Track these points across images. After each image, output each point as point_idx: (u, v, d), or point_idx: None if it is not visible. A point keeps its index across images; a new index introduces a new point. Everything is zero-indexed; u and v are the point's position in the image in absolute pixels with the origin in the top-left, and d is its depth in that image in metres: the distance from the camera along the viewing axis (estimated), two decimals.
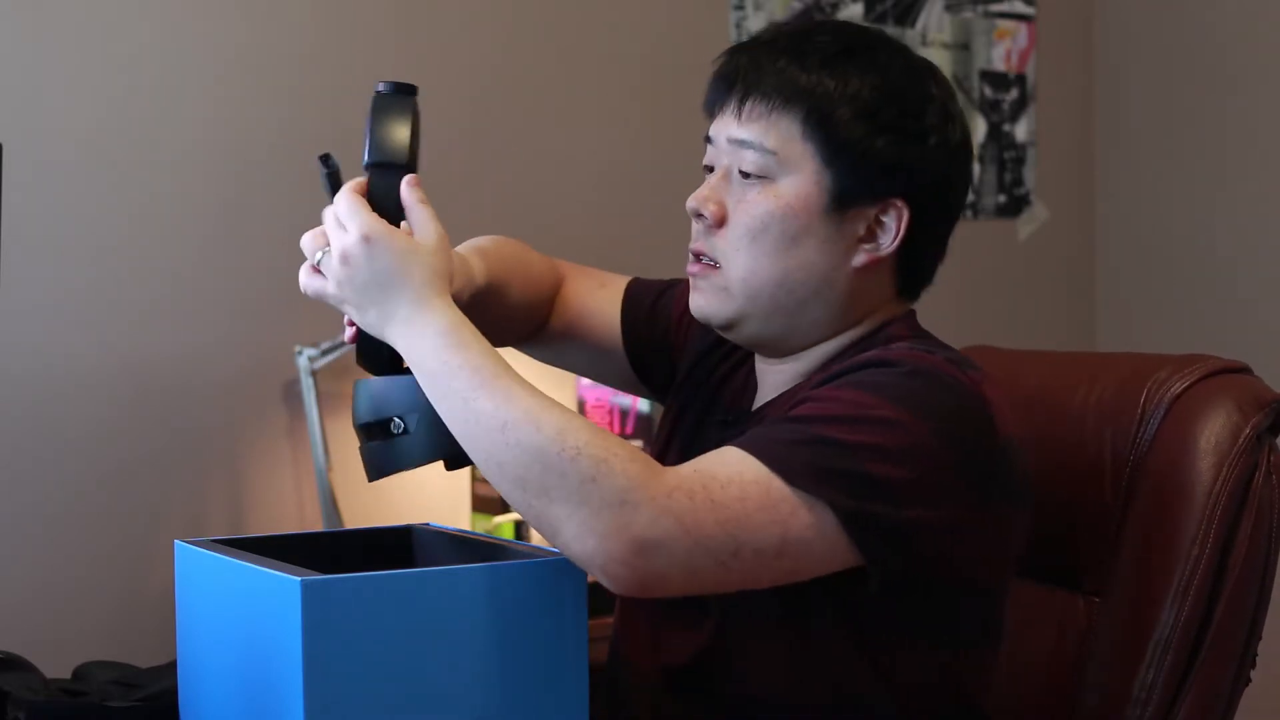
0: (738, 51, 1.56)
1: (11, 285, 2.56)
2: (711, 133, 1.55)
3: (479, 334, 1.40)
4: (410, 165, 1.46)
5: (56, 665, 1.91)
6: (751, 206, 1.51)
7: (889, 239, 1.52)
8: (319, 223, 1.44)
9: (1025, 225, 3.73)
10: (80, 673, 1.73)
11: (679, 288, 1.71)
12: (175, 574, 1.46)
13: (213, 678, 1.40)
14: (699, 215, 1.53)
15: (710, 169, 1.56)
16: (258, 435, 2.88)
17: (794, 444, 1.37)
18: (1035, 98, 3.72)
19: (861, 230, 1.51)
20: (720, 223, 1.52)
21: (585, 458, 1.32)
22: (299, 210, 2.94)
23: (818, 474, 1.36)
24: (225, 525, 2.84)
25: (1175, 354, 1.70)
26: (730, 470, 1.36)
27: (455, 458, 1.42)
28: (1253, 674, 1.63)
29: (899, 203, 1.51)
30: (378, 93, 1.48)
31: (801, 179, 1.50)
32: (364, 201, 1.42)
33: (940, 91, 1.55)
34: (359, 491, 2.92)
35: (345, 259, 1.41)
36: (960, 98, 1.60)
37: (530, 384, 1.38)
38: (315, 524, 2.86)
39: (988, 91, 3.65)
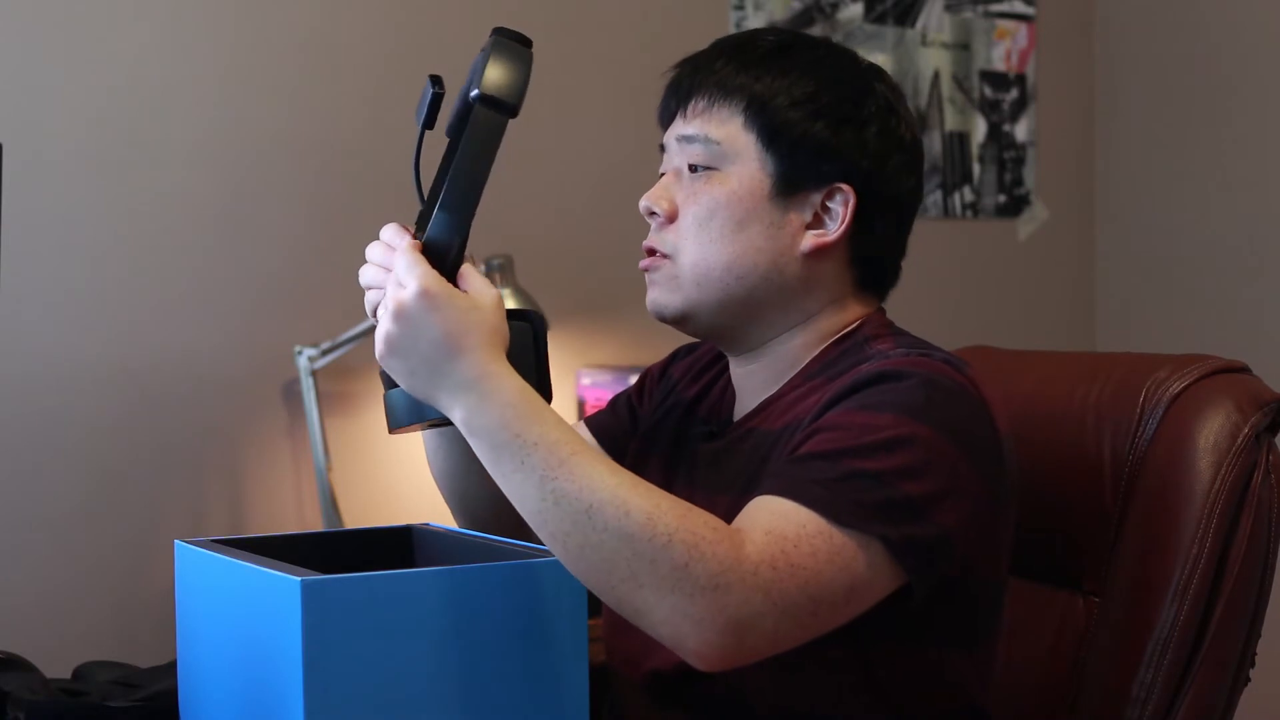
0: (684, 63, 1.61)
1: (11, 285, 2.56)
2: (665, 140, 1.60)
3: (546, 404, 1.35)
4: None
5: (56, 665, 1.91)
6: (700, 196, 1.54)
7: (836, 224, 1.54)
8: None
9: (1025, 225, 3.72)
10: (80, 673, 1.73)
11: (632, 385, 1.75)
12: (175, 574, 1.46)
13: (213, 678, 1.40)
14: (652, 213, 1.57)
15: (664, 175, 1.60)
16: (258, 435, 2.88)
17: (831, 483, 1.36)
18: (1035, 98, 3.72)
19: (809, 216, 1.54)
20: (672, 218, 1.56)
21: (677, 544, 1.28)
22: (299, 210, 2.96)
23: (863, 511, 1.35)
24: (225, 525, 2.84)
25: (1174, 354, 1.70)
26: (793, 526, 1.34)
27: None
28: (1252, 674, 1.63)
29: (845, 188, 1.54)
30: (483, 98, 1.42)
31: (746, 166, 1.54)
32: (423, 258, 1.36)
33: (886, 90, 1.58)
34: (359, 491, 2.92)
35: (401, 314, 1.34)
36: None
37: (608, 458, 1.34)
38: (315, 524, 2.86)
39: (988, 91, 3.64)
